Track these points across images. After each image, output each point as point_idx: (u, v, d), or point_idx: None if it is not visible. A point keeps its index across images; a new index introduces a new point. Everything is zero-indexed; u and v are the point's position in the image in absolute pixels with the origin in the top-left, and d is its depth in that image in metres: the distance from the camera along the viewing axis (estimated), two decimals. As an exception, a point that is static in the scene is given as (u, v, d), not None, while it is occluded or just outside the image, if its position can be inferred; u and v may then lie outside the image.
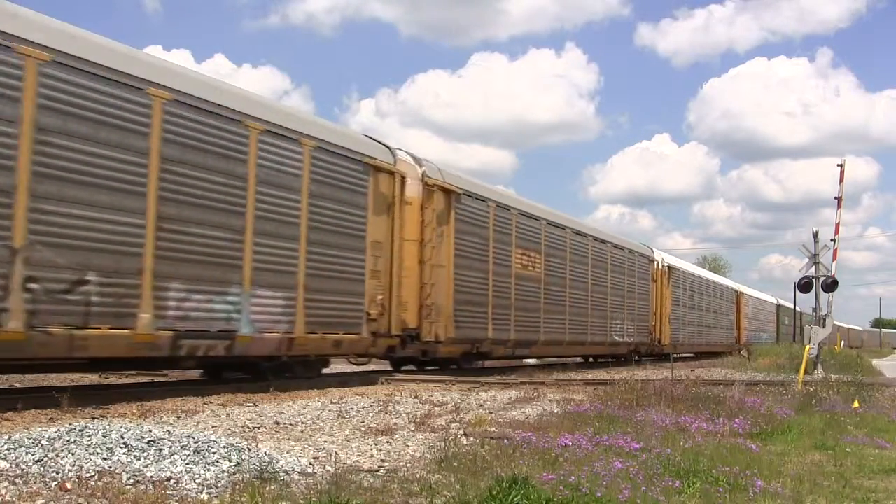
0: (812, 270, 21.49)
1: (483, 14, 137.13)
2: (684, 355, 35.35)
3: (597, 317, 24.88)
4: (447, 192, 16.84)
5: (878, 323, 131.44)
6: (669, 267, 32.18)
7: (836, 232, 21.86)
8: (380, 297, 14.22)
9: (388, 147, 15.37)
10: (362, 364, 16.66)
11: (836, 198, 22.31)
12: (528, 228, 20.58)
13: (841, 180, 22.34)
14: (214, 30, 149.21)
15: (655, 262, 30.66)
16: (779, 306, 60.47)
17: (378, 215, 14.42)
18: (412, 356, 17.07)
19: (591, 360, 28.72)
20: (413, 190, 15.74)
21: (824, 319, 21.33)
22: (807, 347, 18.94)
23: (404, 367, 18.46)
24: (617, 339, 26.55)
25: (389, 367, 18.34)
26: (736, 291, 46.13)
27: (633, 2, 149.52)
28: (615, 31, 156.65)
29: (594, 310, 24.70)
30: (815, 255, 21.35)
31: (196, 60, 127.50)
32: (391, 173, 14.87)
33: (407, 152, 16.14)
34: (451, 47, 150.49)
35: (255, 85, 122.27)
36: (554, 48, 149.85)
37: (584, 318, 23.99)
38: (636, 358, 27.91)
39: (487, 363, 21.20)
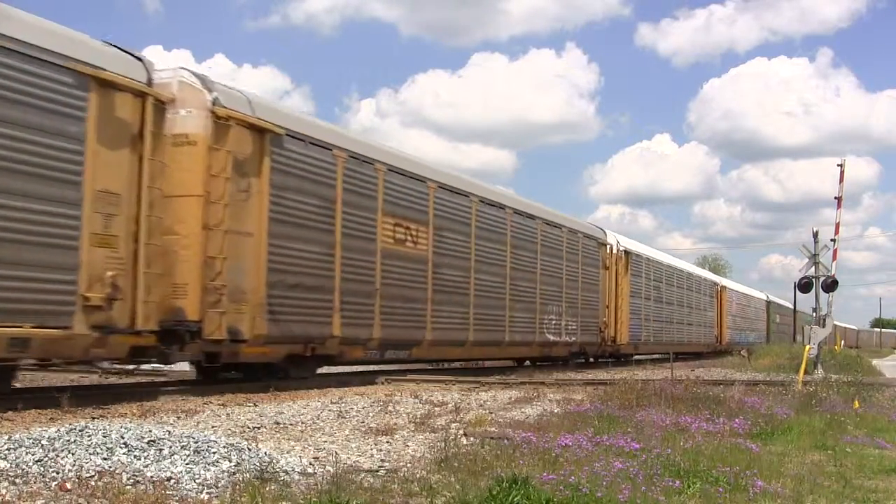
0: (812, 270, 21.49)
1: (483, 14, 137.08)
2: (650, 356, 32.13)
3: (521, 310, 20.22)
4: (258, 130, 12.13)
5: (879, 323, 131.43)
6: (627, 252, 27.37)
7: (836, 232, 21.86)
8: (111, 273, 9.85)
9: (137, 57, 10.64)
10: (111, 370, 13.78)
11: (836, 198, 22.31)
12: (404, 192, 15.71)
13: (841, 180, 22.35)
14: (215, 30, 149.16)
15: (608, 246, 25.92)
16: (769, 303, 56.62)
17: (112, 152, 9.98)
18: (199, 359, 12.37)
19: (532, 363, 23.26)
20: (194, 123, 11.47)
21: (824, 319, 21.32)
22: (807, 347, 18.93)
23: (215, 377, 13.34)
24: (552, 337, 21.83)
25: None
26: (716, 285, 41.96)
27: (633, 2, 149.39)
28: (616, 31, 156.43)
29: (517, 301, 20.01)
30: (815, 255, 21.35)
31: (196, 60, 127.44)
32: (139, 94, 10.36)
33: (189, 70, 11.94)
34: (451, 47, 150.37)
35: (255, 85, 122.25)
36: (554, 48, 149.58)
37: (501, 311, 19.22)
38: (583, 360, 24.87)
39: (342, 369, 17.25)
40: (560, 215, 23.62)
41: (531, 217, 21.20)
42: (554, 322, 22.03)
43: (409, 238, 15.89)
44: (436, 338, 16.68)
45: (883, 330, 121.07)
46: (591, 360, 26.32)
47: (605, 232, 26.59)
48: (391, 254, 15.26)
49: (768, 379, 16.21)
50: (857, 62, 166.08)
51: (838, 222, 21.93)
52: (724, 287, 43.15)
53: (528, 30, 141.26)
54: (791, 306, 64.02)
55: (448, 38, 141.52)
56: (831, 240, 21.81)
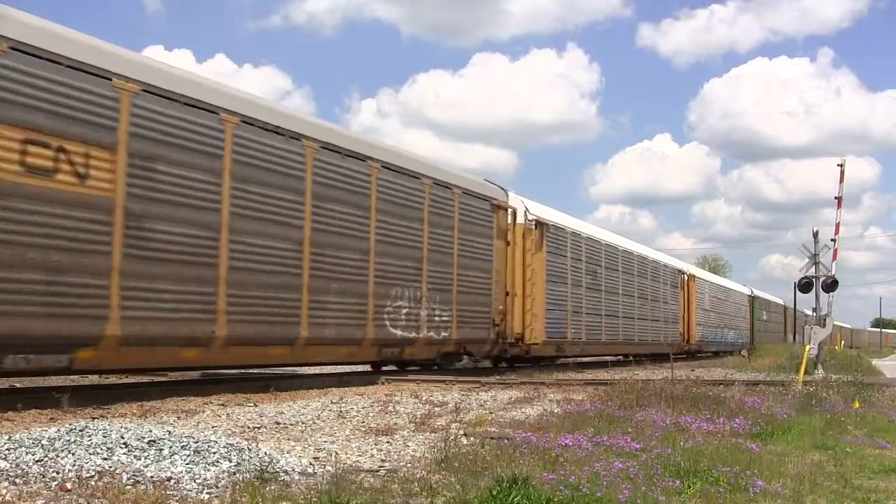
0: (812, 270, 21.49)
1: (484, 14, 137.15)
2: (583, 360, 25.80)
3: (337, 294, 13.42)
4: None
5: (879, 323, 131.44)
6: (541, 223, 20.88)
7: (837, 232, 21.86)
8: None
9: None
10: None
11: (836, 198, 22.31)
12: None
13: (841, 180, 22.35)
14: (216, 30, 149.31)
15: (509, 212, 19.36)
16: (753, 297, 50.02)
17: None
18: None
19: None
20: None
21: (824, 319, 21.33)
22: (807, 347, 18.94)
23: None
24: (400, 333, 15.10)
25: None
26: (682, 273, 35.27)
27: (634, 2, 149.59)
28: (617, 31, 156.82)
29: (329, 280, 13.23)
30: (815, 255, 21.36)
31: (197, 60, 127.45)
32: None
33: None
34: (452, 47, 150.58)
35: (256, 85, 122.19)
36: (555, 48, 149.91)
37: (294, 293, 12.53)
38: (462, 361, 18.20)
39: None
40: (424, 161, 16.67)
41: (361, 159, 14.08)
42: (406, 311, 15.28)
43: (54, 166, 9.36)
44: (128, 332, 10.00)
45: (871, 329, 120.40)
46: (486, 363, 20.03)
47: (506, 193, 19.60)
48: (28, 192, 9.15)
49: (768, 379, 16.22)
50: (857, 62, 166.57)
51: (838, 222, 21.95)
52: (692, 276, 36.82)
53: (530, 30, 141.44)
54: (781, 302, 61.19)
55: (449, 38, 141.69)
56: (831, 240, 21.83)
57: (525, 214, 20.28)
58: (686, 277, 35.72)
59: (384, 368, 17.48)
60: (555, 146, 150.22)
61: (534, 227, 20.62)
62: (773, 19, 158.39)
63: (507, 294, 19.12)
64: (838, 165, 22.69)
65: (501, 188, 19.66)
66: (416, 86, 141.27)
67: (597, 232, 26.54)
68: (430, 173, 16.38)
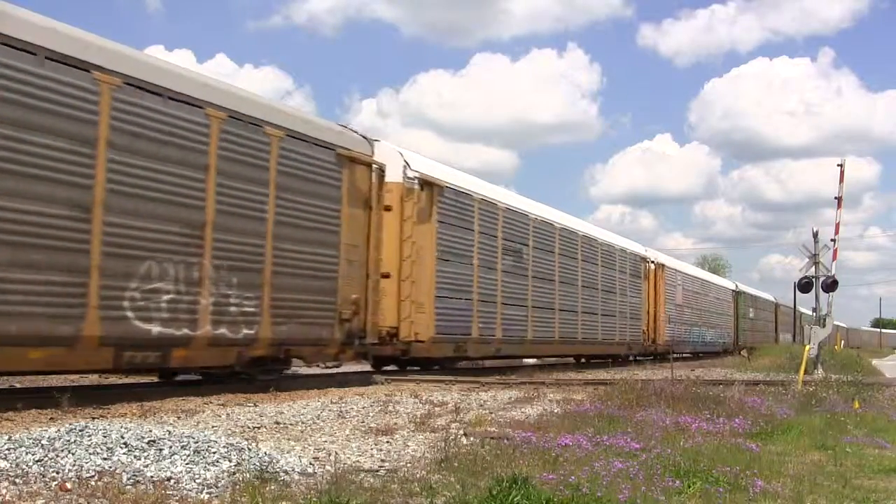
0: (812, 270, 21.49)
1: (485, 14, 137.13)
2: (485, 363, 21.21)
3: (24, 268, 8.78)
4: None
5: (878, 323, 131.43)
6: (429, 184, 16.06)
7: (837, 232, 21.85)
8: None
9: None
10: None
11: (836, 198, 22.30)
12: None
13: (841, 180, 22.34)
14: (216, 30, 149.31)
15: (373, 169, 14.19)
16: (738, 293, 44.87)
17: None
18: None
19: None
20: None
21: (824, 319, 21.32)
22: (807, 347, 18.94)
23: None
24: (158, 329, 10.34)
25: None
26: (646, 260, 29.86)
27: (635, 2, 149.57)
28: (617, 31, 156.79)
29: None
30: (815, 255, 21.35)
31: (198, 60, 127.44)
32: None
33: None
34: (452, 47, 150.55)
35: (256, 85, 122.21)
36: (556, 48, 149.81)
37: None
38: (290, 370, 13.78)
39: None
40: (214, 85, 11.71)
41: (82, 69, 9.52)
42: (170, 297, 10.50)
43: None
44: None
45: (863, 328, 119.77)
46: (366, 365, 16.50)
47: (369, 142, 14.57)
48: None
49: (768, 379, 16.21)
50: (858, 62, 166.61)
51: (838, 222, 21.94)
52: (661, 266, 31.26)
53: (530, 30, 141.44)
54: (772, 299, 57.06)
55: (450, 38, 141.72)
56: (831, 240, 21.82)
57: (404, 172, 15.53)
58: (652, 267, 30.38)
59: (384, 368, 17.21)
60: (555, 146, 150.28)
61: (417, 187, 15.70)
62: (773, 19, 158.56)
63: (368, 277, 14.02)
64: (838, 165, 22.68)
65: (363, 137, 14.57)
66: (417, 86, 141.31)
67: (523, 203, 21.35)
68: (223, 102, 11.41)
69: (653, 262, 30.65)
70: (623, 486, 5.20)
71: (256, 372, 12.37)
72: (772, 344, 46.35)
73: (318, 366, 14.87)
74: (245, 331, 11.68)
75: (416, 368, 17.18)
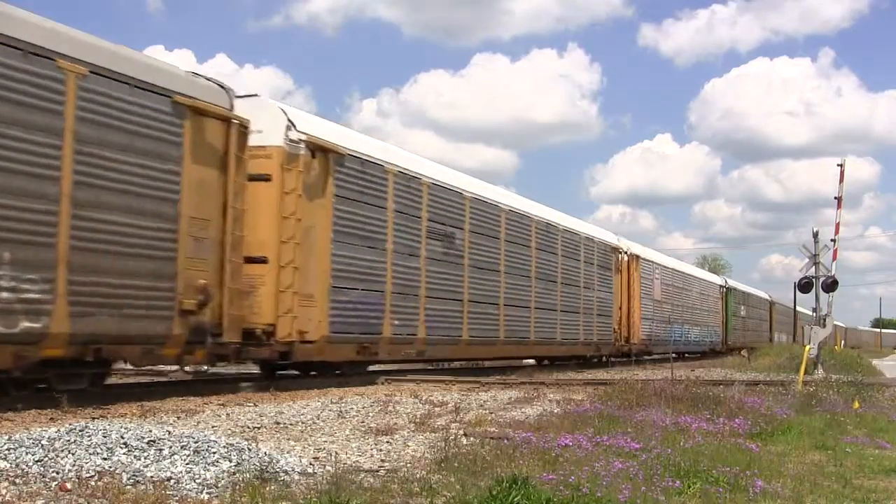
0: (812, 270, 21.49)
1: (485, 14, 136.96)
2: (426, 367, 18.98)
3: None
4: None
5: (878, 323, 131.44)
6: (322, 150, 13.48)
7: (837, 232, 21.85)
8: None
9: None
10: None
11: (836, 198, 22.31)
12: None
13: (841, 180, 22.35)
14: (217, 30, 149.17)
15: (233, 125, 11.53)
16: (728, 289, 42.44)
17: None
18: None
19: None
20: None
21: (824, 319, 21.32)
22: (807, 347, 18.94)
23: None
24: None
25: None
26: (620, 252, 26.93)
27: (635, 2, 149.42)
28: (618, 31, 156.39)
29: None
30: (815, 255, 21.34)
31: (198, 60, 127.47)
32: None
33: None
34: (453, 47, 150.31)
35: (257, 85, 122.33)
36: (556, 48, 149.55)
37: None
38: (84, 385, 10.00)
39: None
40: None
41: None
42: None
43: None
44: None
45: (857, 328, 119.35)
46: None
47: (227, 93, 11.72)
48: None
49: (768, 379, 16.22)
50: (858, 62, 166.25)
51: (838, 222, 21.94)
52: (635, 257, 28.10)
53: (531, 30, 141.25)
54: (766, 296, 54.48)
55: (450, 38, 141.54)
56: (831, 240, 21.82)
57: (286, 133, 12.87)
58: (626, 258, 27.31)
59: (384, 368, 17.10)
60: (555, 146, 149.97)
61: (306, 153, 13.12)
62: (774, 19, 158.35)
63: (225, 259, 11.38)
64: (838, 165, 22.70)
65: (220, 85, 11.72)
66: (417, 86, 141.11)
67: (456, 178, 18.28)
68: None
69: (626, 252, 27.52)
70: (623, 486, 5.20)
71: (55, 380, 9.57)
72: (766, 344, 43.88)
73: (186, 370, 11.95)
74: (25, 324, 8.88)
75: (313, 374, 14.58)
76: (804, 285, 21.82)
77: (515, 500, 4.73)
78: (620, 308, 26.73)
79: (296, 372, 14.72)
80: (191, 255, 10.91)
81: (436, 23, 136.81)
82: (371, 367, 16.41)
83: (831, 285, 21.48)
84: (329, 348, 13.69)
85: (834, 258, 21.80)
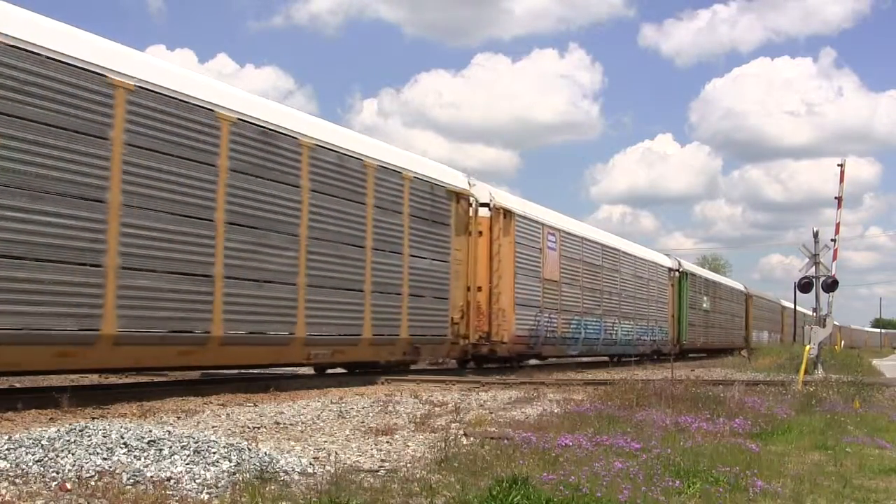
0: (812, 270, 21.48)
1: (486, 14, 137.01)
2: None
3: None
4: None
5: (879, 323, 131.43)
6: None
7: (837, 232, 21.83)
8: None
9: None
10: None
11: (836, 198, 22.30)
12: None
13: (841, 180, 22.34)
14: (218, 30, 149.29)
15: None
16: (682, 273, 33.74)
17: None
18: None
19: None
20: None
21: (824, 319, 21.31)
22: (807, 347, 18.93)
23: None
24: None
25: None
26: (466, 200, 17.59)
27: (637, 2, 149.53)
28: (619, 31, 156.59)
29: None
30: (815, 255, 21.33)
31: (199, 60, 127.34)
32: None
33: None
34: (454, 48, 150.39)
35: (257, 85, 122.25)
36: (557, 49, 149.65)
37: None
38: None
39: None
40: None
41: None
42: None
43: None
44: None
45: (851, 327, 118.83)
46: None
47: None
48: None
49: (768, 379, 16.21)
50: (859, 62, 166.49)
51: (838, 222, 21.92)
52: (507, 212, 19.18)
53: (532, 30, 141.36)
54: (742, 288, 46.22)
55: (451, 38, 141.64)
56: (832, 240, 21.80)
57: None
58: (486, 213, 18.59)
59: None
60: (556, 146, 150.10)
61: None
62: (775, 19, 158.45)
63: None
64: (838, 165, 22.67)
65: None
66: (418, 86, 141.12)
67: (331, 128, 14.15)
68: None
69: (487, 204, 18.54)
70: (623, 486, 5.20)
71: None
72: (739, 345, 37.80)
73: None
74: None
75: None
76: (804, 285, 21.81)
77: (515, 500, 4.73)
78: (470, 288, 17.88)
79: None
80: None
81: (437, 23, 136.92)
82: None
83: (831, 285, 21.47)
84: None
85: (834, 258, 21.79)
